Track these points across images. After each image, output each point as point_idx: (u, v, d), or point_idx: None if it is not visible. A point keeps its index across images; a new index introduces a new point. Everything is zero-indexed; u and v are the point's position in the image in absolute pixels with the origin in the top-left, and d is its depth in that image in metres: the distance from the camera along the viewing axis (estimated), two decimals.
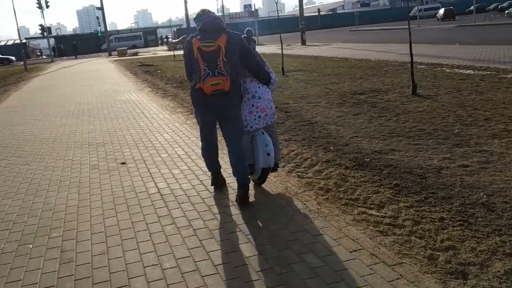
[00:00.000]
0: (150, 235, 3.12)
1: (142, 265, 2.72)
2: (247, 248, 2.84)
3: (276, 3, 12.73)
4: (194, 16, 3.73)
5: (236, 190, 3.72)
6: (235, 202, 3.61)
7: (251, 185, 3.83)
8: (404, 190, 3.56)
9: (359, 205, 3.37)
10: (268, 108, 3.66)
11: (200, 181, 4.19)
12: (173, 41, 40.41)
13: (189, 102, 8.35)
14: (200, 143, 3.96)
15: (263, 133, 3.72)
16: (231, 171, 3.70)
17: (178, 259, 2.76)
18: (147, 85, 13.44)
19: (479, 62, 11.03)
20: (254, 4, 49.09)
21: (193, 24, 3.63)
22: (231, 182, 4.04)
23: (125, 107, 9.22)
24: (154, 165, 4.85)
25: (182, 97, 9.97)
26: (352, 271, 2.46)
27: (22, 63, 30.28)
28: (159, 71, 17.74)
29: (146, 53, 38.91)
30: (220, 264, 2.67)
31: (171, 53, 29.34)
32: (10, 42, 59.13)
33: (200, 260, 2.73)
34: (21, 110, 10.04)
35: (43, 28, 40.19)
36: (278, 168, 4.08)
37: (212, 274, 2.56)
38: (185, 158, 5.00)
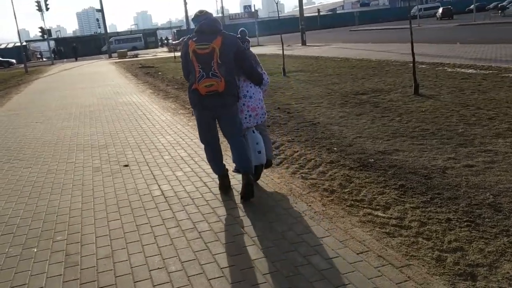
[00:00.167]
0: (155, 238, 3.10)
1: (148, 269, 2.70)
2: (253, 251, 2.82)
3: (277, 3, 12.71)
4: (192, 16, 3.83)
5: (235, 190, 3.78)
6: (240, 204, 3.59)
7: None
8: (410, 191, 3.54)
9: (365, 206, 3.35)
10: (258, 107, 3.80)
11: (204, 183, 4.18)
12: (173, 42, 40.38)
13: None
14: (202, 145, 3.97)
15: (254, 132, 3.84)
16: (234, 167, 3.78)
17: (184, 262, 2.74)
18: (148, 86, 13.43)
19: (480, 61, 11.01)
20: (254, 5, 49.12)
21: (193, 26, 3.72)
22: (235, 184, 4.02)
23: (127, 109, 9.20)
24: (157, 167, 4.84)
25: (183, 99, 9.94)
26: (359, 273, 2.44)
27: (22, 65, 30.32)
28: (160, 73, 17.73)
29: (146, 54, 38.92)
30: (226, 267, 2.65)
31: (172, 54, 29.35)
32: (10, 45, 59.19)
33: (206, 263, 2.71)
34: (23, 113, 10.04)
35: (43, 30, 40.23)
36: (272, 164, 4.22)
37: (218, 277, 2.55)
38: (188, 160, 4.99)
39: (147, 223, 3.37)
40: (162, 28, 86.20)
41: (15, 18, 29.31)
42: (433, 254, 2.59)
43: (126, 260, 2.82)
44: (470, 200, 3.27)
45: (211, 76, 3.41)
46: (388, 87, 8.73)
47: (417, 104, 6.84)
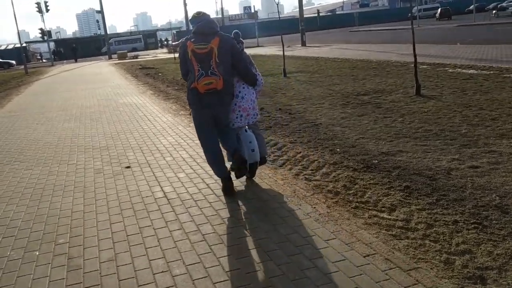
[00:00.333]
0: (158, 241, 3.07)
1: (152, 272, 2.67)
2: (258, 254, 2.79)
3: (277, 4, 12.68)
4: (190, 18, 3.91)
5: (238, 192, 3.85)
6: (243, 207, 3.57)
7: (254, 186, 3.87)
8: (415, 192, 3.51)
9: (370, 208, 3.32)
10: (250, 108, 3.89)
11: (207, 184, 4.14)
12: (173, 43, 40.37)
13: None
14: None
15: (246, 131, 3.94)
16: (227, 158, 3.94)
17: (188, 265, 2.71)
18: (149, 87, 13.39)
19: (481, 62, 10.99)
20: (254, 6, 49.12)
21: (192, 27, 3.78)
22: (238, 185, 3.99)
23: (128, 110, 9.17)
24: (159, 168, 4.80)
25: (184, 100, 9.89)
26: (367, 277, 2.41)
27: (22, 67, 30.28)
28: (160, 74, 17.70)
29: (146, 55, 38.87)
30: (231, 270, 2.62)
31: (172, 55, 29.30)
32: (10, 46, 59.14)
33: (211, 266, 2.68)
34: (23, 114, 10.00)
35: (43, 32, 40.20)
36: (267, 161, 4.35)
37: (223, 281, 2.51)
38: (190, 162, 4.95)
39: (150, 226, 3.33)
40: (162, 29, 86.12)
41: (15, 19, 29.31)
42: (441, 256, 2.55)
43: (130, 263, 2.79)
44: (476, 201, 3.23)
45: (210, 74, 3.51)
46: (390, 87, 8.70)
47: (419, 105, 6.81)
